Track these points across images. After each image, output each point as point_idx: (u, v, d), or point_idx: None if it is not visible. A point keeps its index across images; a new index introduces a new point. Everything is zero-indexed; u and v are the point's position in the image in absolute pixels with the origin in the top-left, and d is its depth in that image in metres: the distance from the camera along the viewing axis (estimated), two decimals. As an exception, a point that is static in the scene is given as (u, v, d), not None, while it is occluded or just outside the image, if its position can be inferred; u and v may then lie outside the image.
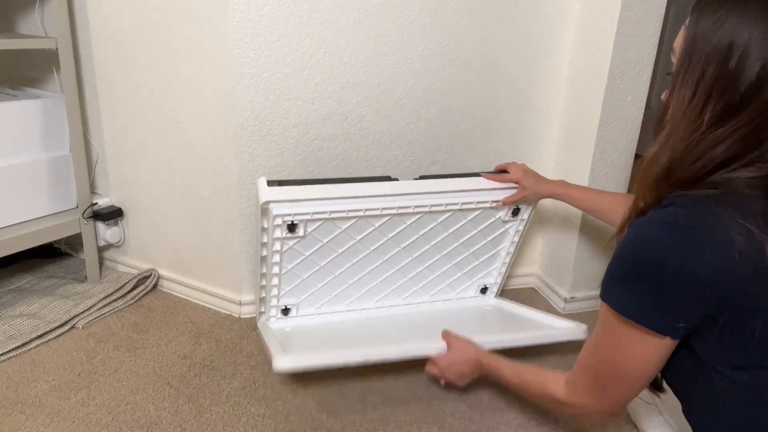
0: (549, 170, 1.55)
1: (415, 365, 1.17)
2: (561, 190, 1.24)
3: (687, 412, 0.77)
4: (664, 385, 0.82)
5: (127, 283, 1.47)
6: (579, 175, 1.43)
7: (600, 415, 0.85)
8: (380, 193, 1.17)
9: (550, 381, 0.90)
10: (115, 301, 1.43)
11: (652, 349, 0.72)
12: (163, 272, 1.52)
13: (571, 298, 1.51)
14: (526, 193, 1.25)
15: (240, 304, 1.42)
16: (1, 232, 1.32)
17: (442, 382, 1.13)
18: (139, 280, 1.49)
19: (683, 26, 0.71)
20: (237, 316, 1.42)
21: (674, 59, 0.72)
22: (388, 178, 1.21)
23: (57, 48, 1.31)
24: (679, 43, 0.71)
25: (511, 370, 1.00)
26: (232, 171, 1.31)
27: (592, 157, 1.39)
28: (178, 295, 1.51)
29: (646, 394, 1.06)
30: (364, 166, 1.40)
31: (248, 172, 1.31)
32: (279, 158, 1.33)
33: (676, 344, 0.71)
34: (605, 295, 0.74)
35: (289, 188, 1.11)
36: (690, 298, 0.66)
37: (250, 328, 1.38)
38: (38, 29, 1.44)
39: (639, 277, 0.69)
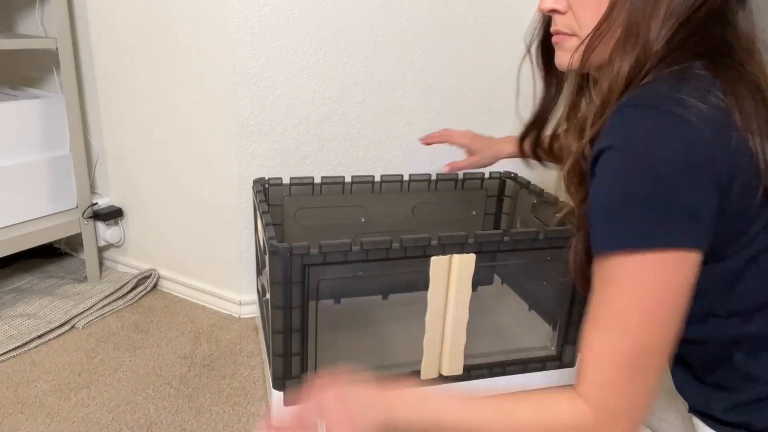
0: (549, 171, 1.55)
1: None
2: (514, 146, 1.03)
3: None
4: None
5: (127, 283, 1.47)
6: (579, 175, 1.43)
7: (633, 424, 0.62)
8: None
9: (549, 404, 0.65)
10: (115, 301, 1.43)
11: (687, 274, 0.57)
12: (163, 272, 1.52)
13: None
14: (477, 158, 1.10)
15: (240, 304, 1.42)
16: (1, 232, 1.32)
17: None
18: (139, 280, 1.49)
19: None
20: (237, 316, 1.42)
21: None
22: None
23: (57, 48, 1.31)
24: None
25: (473, 413, 0.64)
26: (232, 171, 1.31)
27: (592, 157, 1.38)
28: (178, 295, 1.51)
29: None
30: (363, 167, 1.40)
31: (248, 172, 1.31)
32: (279, 158, 1.33)
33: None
34: (613, 241, 0.57)
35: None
36: (704, 189, 0.55)
37: (250, 328, 1.38)
38: (38, 29, 1.44)
39: (647, 194, 0.55)
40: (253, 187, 1.28)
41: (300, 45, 1.26)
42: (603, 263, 0.59)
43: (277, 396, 1.04)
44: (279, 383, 1.04)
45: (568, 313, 1.18)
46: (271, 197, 1.24)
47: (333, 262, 0.99)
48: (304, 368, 1.05)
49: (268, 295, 1.07)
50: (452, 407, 0.65)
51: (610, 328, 0.60)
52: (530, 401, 0.66)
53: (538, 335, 1.26)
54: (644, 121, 0.56)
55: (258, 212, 1.14)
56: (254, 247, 1.37)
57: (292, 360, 1.03)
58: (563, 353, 1.21)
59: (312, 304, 1.03)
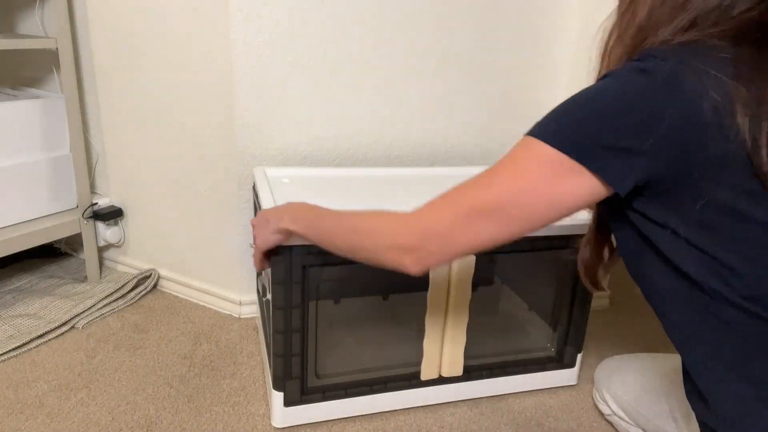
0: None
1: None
2: None
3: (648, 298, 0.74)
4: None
5: (127, 283, 1.47)
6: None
7: (438, 258, 0.71)
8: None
9: (386, 214, 0.76)
10: (115, 301, 1.43)
11: (576, 198, 0.65)
12: (163, 272, 1.52)
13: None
14: None
15: (240, 304, 1.42)
16: (1, 232, 1.32)
17: (251, 244, 1.01)
18: (139, 280, 1.49)
19: None
20: (237, 316, 1.42)
21: None
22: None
23: (57, 48, 1.31)
24: None
25: (333, 214, 0.83)
26: (232, 171, 1.31)
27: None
28: (178, 295, 1.51)
29: (633, 408, 1.04)
30: (364, 166, 1.40)
31: (248, 171, 1.31)
32: (279, 158, 1.33)
33: (598, 200, 0.65)
34: (542, 132, 0.65)
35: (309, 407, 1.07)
36: (652, 146, 0.60)
37: (250, 328, 1.38)
38: (38, 29, 1.44)
39: (597, 120, 0.62)
40: (253, 183, 1.27)
41: (300, 45, 1.26)
42: (521, 142, 0.67)
43: (277, 396, 1.04)
44: (279, 383, 1.04)
45: (568, 315, 1.19)
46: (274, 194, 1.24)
47: (331, 263, 0.99)
48: (304, 368, 1.05)
49: (268, 296, 1.07)
50: (322, 211, 0.85)
51: (477, 181, 0.69)
52: (372, 211, 0.79)
53: (538, 336, 1.26)
54: (638, 80, 0.61)
55: (259, 203, 1.14)
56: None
57: (292, 360, 1.03)
58: (563, 354, 1.21)
59: (311, 304, 1.03)
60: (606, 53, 0.73)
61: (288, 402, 1.05)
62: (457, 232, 0.69)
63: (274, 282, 0.99)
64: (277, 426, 1.07)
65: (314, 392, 1.07)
